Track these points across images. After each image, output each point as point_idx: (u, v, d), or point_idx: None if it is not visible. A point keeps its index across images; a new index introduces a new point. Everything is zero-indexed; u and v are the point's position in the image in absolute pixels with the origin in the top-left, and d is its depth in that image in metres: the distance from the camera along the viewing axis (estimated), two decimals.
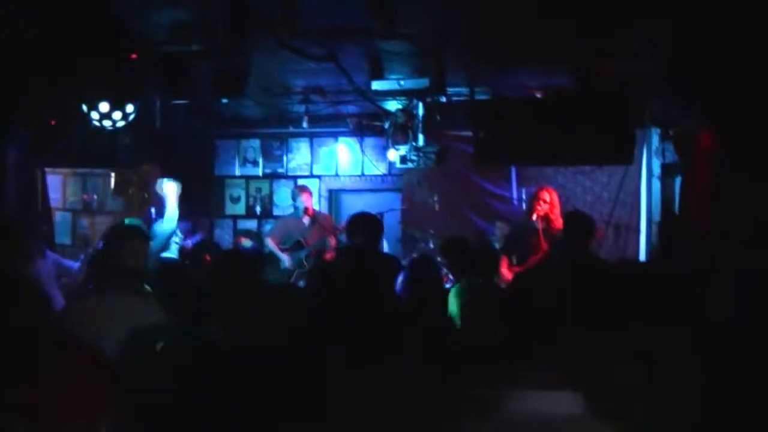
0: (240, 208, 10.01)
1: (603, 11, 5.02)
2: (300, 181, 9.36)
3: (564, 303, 2.86)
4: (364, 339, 2.86)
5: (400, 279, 4.23)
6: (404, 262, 6.40)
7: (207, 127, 9.38)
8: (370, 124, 8.78)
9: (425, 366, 2.62)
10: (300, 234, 7.78)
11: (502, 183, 8.90)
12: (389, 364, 2.58)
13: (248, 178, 9.98)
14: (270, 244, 7.85)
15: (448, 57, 6.34)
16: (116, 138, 6.84)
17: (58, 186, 8.65)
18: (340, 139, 9.60)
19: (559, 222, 6.49)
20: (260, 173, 9.94)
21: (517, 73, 7.04)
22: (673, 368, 1.81)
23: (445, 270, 5.54)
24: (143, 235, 4.14)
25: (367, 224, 5.32)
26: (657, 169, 8.15)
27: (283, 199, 9.69)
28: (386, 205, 8.49)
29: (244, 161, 9.97)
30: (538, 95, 7.46)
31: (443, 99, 7.26)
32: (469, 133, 7.57)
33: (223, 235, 9.84)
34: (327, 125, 9.17)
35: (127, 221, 7.51)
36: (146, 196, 8.57)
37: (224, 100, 7.07)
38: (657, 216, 8.05)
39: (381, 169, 9.41)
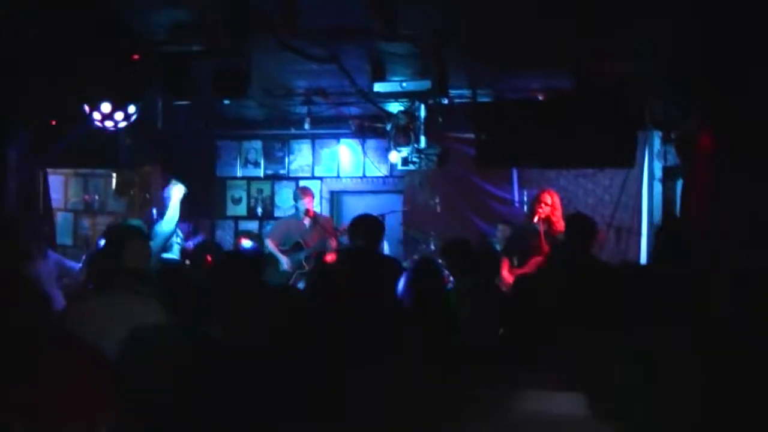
0: (241, 210, 10.02)
1: (603, 11, 5.02)
2: (302, 183, 9.36)
3: (564, 303, 2.85)
4: (364, 339, 2.85)
5: (402, 282, 4.23)
6: (405, 264, 6.42)
7: (209, 128, 9.39)
8: (371, 126, 8.78)
9: (425, 366, 2.62)
10: (300, 235, 7.78)
11: (504, 185, 8.90)
12: (389, 364, 2.58)
13: (250, 180, 9.99)
14: (269, 245, 7.85)
15: (449, 58, 6.34)
16: (118, 138, 6.85)
17: (60, 186, 8.66)
18: (342, 140, 9.60)
19: (560, 224, 6.49)
20: (262, 174, 9.94)
21: (518, 75, 7.04)
22: (673, 368, 1.81)
23: (445, 271, 5.54)
24: (144, 235, 4.14)
25: (369, 226, 5.32)
26: (658, 172, 8.15)
27: (284, 200, 9.70)
28: (387, 206, 8.49)
29: (246, 162, 9.98)
30: (540, 98, 7.46)
31: (445, 101, 7.27)
32: (471, 135, 7.57)
33: (225, 236, 9.84)
34: (329, 127, 9.18)
35: (128, 222, 7.51)
36: (147, 196, 8.58)
37: (226, 101, 7.08)
38: (658, 219, 8.05)
39: (382, 170, 9.41)
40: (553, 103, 7.28)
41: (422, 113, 7.37)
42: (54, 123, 6.25)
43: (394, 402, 2.23)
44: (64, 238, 8.48)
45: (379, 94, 6.74)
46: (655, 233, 7.54)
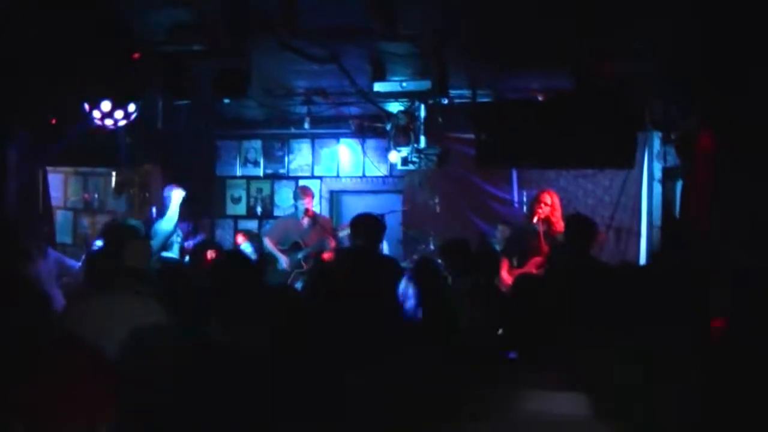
0: (241, 209, 10.01)
1: (603, 11, 5.02)
2: (301, 182, 9.36)
3: (564, 304, 2.85)
4: (364, 339, 2.86)
5: (402, 282, 4.24)
6: (405, 264, 6.42)
7: (209, 128, 9.38)
8: (371, 126, 8.77)
9: (425, 366, 2.62)
10: (299, 235, 7.77)
11: (504, 185, 8.90)
12: (389, 364, 2.58)
13: (249, 179, 9.99)
14: (268, 243, 7.84)
15: (449, 58, 6.34)
16: (118, 137, 6.85)
17: (60, 185, 8.65)
18: (342, 140, 9.59)
19: (560, 225, 6.49)
20: (261, 174, 9.94)
21: (518, 75, 7.03)
22: (672, 368, 1.81)
23: (444, 271, 5.54)
24: (143, 235, 4.15)
25: (369, 226, 5.33)
26: (658, 173, 8.13)
27: (284, 199, 9.70)
28: (387, 206, 8.47)
29: (246, 162, 9.97)
30: (540, 98, 7.46)
31: (445, 101, 7.27)
32: (471, 136, 7.56)
33: (224, 236, 9.83)
34: (328, 126, 9.17)
35: (127, 222, 7.52)
36: (147, 195, 8.58)
37: (226, 101, 7.08)
38: (658, 220, 8.04)
39: (382, 170, 9.41)
40: (553, 104, 7.27)
41: (422, 113, 7.36)
42: (54, 122, 6.24)
43: (394, 402, 2.23)
44: (64, 236, 8.47)
45: (379, 94, 6.75)
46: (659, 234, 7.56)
